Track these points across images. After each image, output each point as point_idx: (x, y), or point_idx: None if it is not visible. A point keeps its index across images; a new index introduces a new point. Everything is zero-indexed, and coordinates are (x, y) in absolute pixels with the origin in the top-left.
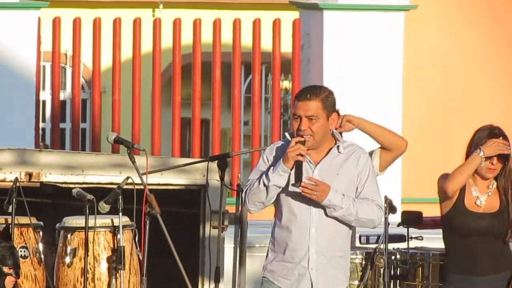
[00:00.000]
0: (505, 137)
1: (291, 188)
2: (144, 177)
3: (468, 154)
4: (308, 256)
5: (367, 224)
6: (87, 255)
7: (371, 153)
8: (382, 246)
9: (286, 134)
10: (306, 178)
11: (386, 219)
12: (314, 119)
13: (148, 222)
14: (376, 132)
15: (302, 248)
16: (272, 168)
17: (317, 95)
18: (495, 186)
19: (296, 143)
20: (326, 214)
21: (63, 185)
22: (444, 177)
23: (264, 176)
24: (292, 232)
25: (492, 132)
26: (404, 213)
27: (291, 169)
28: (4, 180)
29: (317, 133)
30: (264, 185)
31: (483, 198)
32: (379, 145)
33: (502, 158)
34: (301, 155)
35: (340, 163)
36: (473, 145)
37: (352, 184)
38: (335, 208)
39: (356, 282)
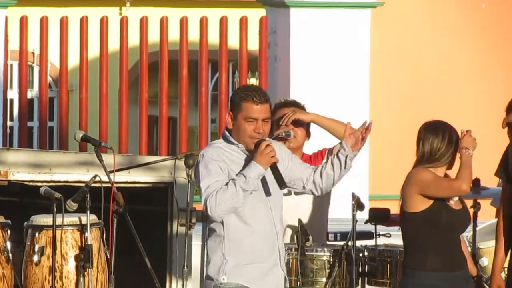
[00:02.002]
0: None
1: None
2: (111, 175)
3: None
4: (279, 254)
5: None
6: (55, 254)
7: (333, 148)
8: (350, 243)
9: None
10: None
11: (354, 216)
12: (267, 121)
13: (115, 220)
14: (332, 126)
15: (274, 247)
16: (244, 172)
17: (268, 98)
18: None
19: (267, 145)
20: (280, 213)
21: (31, 184)
22: (429, 175)
23: (239, 181)
24: (261, 233)
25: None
26: (371, 210)
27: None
28: None
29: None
30: (243, 190)
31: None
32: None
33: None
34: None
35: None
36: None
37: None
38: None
39: (324, 280)
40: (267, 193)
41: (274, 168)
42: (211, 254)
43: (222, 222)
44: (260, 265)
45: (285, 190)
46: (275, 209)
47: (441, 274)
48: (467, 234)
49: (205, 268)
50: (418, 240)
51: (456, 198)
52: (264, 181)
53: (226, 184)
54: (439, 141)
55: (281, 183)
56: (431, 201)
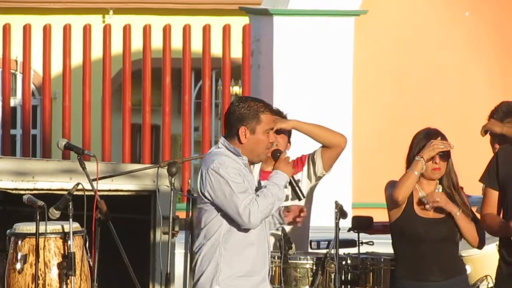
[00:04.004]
0: (443, 137)
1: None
2: (94, 183)
3: (408, 159)
4: (269, 269)
5: None
6: (38, 262)
7: (314, 154)
8: (332, 251)
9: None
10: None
11: (336, 224)
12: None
13: (98, 228)
14: (313, 131)
15: (265, 261)
16: (274, 181)
17: None
18: (441, 189)
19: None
20: (269, 228)
21: (14, 192)
22: (391, 185)
23: (272, 190)
24: (257, 246)
25: (429, 134)
26: (354, 218)
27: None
28: None
29: None
30: (279, 199)
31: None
32: (320, 145)
33: (445, 156)
34: None
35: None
36: (412, 150)
37: None
38: None
39: (307, 287)
40: None
41: (292, 179)
42: (205, 262)
43: (219, 231)
44: (252, 279)
45: None
46: (267, 223)
47: (409, 283)
48: None
49: (193, 276)
50: (395, 250)
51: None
52: None
53: (261, 192)
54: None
55: (300, 194)
56: (400, 211)
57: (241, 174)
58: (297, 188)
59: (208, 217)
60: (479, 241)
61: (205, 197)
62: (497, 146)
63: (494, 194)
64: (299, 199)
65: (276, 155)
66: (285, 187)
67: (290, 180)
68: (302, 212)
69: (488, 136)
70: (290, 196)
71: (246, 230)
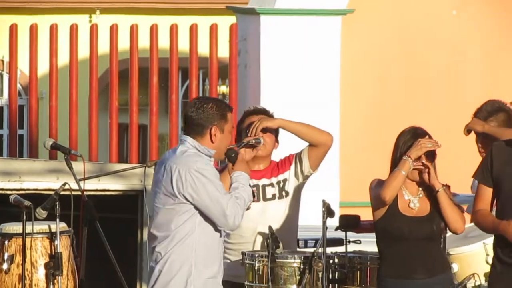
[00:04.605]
0: (429, 137)
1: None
2: (81, 183)
3: (394, 158)
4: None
5: None
6: (25, 262)
7: (301, 153)
8: (320, 250)
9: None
10: None
11: (324, 223)
12: None
13: (85, 228)
14: (299, 130)
15: (221, 259)
16: (241, 182)
17: None
18: (424, 187)
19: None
20: None
21: (1, 192)
22: (377, 184)
23: (244, 191)
24: (220, 249)
25: (416, 133)
26: (342, 217)
27: None
28: None
29: None
30: (250, 200)
31: (415, 201)
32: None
33: (430, 157)
34: None
35: None
36: (398, 149)
37: None
38: None
39: (294, 287)
40: None
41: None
42: (176, 265)
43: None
44: (217, 280)
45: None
46: None
47: (394, 281)
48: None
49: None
50: (379, 248)
51: (417, 204)
52: None
53: (234, 195)
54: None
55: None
56: (385, 210)
57: (217, 175)
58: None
59: (181, 219)
60: (460, 224)
61: (185, 198)
62: (480, 145)
63: (487, 191)
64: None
65: (231, 155)
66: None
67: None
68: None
69: (473, 135)
70: (277, 196)
71: (217, 233)
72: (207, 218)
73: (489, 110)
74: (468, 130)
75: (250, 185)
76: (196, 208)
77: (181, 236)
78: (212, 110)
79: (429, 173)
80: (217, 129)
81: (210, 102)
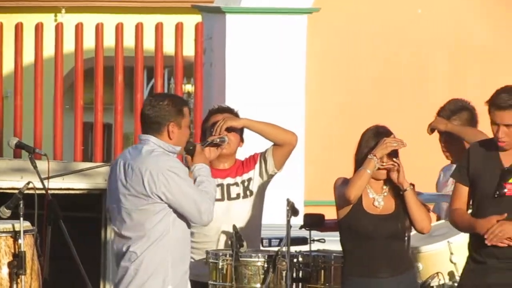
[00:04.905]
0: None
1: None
2: (45, 182)
3: (356, 157)
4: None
5: None
6: None
7: (265, 152)
8: (284, 248)
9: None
10: None
11: (288, 221)
12: None
13: (49, 226)
14: (264, 130)
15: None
16: (205, 176)
17: None
18: (388, 186)
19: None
20: None
21: None
22: (343, 184)
23: (209, 185)
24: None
25: (378, 132)
26: (306, 216)
27: None
28: None
29: None
30: (215, 192)
31: (380, 199)
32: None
33: (392, 156)
34: None
35: None
36: (361, 148)
37: None
38: None
39: (258, 285)
40: None
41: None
42: (152, 265)
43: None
44: (187, 274)
45: (219, 195)
46: None
47: (358, 280)
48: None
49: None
50: (343, 246)
51: (382, 202)
52: None
53: (203, 190)
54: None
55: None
56: (349, 208)
57: (187, 172)
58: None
59: (156, 218)
60: (426, 224)
61: (159, 198)
62: (443, 144)
63: (464, 190)
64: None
65: (189, 148)
66: None
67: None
68: None
69: (437, 134)
70: (241, 195)
71: (189, 229)
72: (180, 216)
73: (452, 109)
74: (431, 129)
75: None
76: (170, 206)
77: (156, 236)
78: (168, 106)
79: (398, 171)
80: (174, 125)
81: (165, 99)
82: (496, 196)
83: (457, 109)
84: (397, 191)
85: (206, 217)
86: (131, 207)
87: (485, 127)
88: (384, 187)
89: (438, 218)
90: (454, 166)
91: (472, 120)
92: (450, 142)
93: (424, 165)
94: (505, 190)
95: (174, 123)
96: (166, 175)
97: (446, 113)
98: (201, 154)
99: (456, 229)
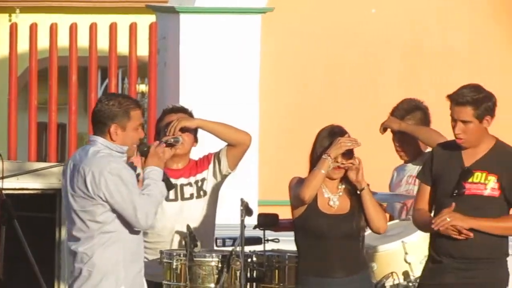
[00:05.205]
0: (348, 135)
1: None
2: None
3: (311, 157)
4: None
5: None
6: None
7: (219, 152)
8: (238, 248)
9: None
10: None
11: (242, 221)
12: None
13: (4, 226)
14: (217, 130)
15: (143, 255)
16: (154, 178)
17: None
18: (343, 186)
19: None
20: None
21: None
22: (298, 183)
23: (156, 188)
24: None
25: (333, 132)
26: (260, 216)
27: None
28: None
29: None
30: (162, 195)
31: (335, 199)
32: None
33: (347, 155)
34: None
35: None
36: (316, 148)
37: None
38: None
39: (212, 285)
40: None
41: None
42: (104, 265)
43: (118, 233)
44: (141, 273)
45: (172, 196)
46: None
47: (312, 279)
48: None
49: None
50: (298, 246)
51: (337, 202)
52: None
53: (146, 193)
54: None
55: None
56: (304, 208)
57: (132, 175)
58: (167, 178)
59: (101, 219)
60: (382, 223)
61: (101, 199)
62: (397, 144)
63: (426, 190)
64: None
65: (143, 149)
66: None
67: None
68: None
69: (390, 134)
70: (195, 195)
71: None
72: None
73: (406, 108)
74: (384, 128)
75: (167, 178)
76: (113, 208)
77: (105, 237)
78: (113, 107)
79: (358, 169)
80: (117, 127)
81: (113, 99)
82: (454, 195)
83: (410, 108)
84: (352, 191)
85: (144, 221)
86: (78, 208)
87: (438, 127)
88: (340, 186)
89: (391, 218)
90: (408, 165)
91: (426, 120)
92: (403, 141)
93: (377, 165)
94: (464, 190)
95: (118, 124)
96: (106, 177)
97: (400, 113)
98: (155, 156)
99: (418, 229)
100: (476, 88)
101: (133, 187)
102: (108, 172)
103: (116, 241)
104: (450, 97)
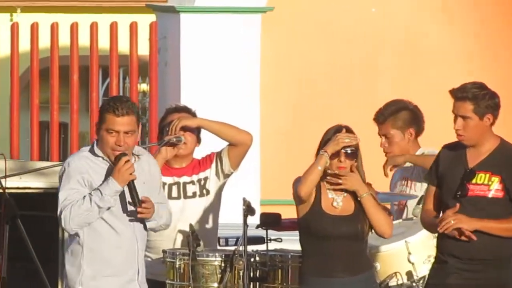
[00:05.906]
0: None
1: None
2: (2, 181)
3: (317, 155)
4: (138, 270)
5: (163, 228)
6: None
7: (221, 152)
8: (241, 248)
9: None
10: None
11: (245, 221)
12: (130, 134)
13: (7, 225)
14: (219, 129)
15: (133, 262)
16: (101, 188)
17: (132, 110)
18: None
19: (126, 161)
20: (145, 229)
21: None
22: (298, 181)
23: (95, 197)
24: (122, 247)
25: (338, 130)
26: (262, 215)
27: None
28: None
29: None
30: (98, 207)
31: (339, 199)
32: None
33: (351, 155)
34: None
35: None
36: (321, 146)
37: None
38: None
39: (215, 285)
40: (125, 209)
41: (130, 186)
42: (69, 263)
43: (80, 233)
44: (118, 279)
45: (175, 194)
46: (138, 225)
47: (316, 279)
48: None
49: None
50: (302, 246)
51: (340, 203)
52: (123, 197)
53: (84, 197)
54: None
55: (136, 202)
56: (308, 208)
57: (85, 176)
58: (134, 194)
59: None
60: (386, 228)
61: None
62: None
63: (433, 190)
64: (135, 206)
65: (117, 159)
66: (115, 194)
67: (129, 184)
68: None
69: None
70: (198, 193)
71: (104, 231)
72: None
73: (389, 111)
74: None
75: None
76: None
77: (72, 235)
78: (100, 108)
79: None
80: (97, 128)
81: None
82: (458, 196)
83: (394, 111)
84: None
85: (62, 223)
86: None
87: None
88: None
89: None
90: (404, 166)
91: (415, 119)
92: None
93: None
94: (467, 191)
95: (97, 125)
96: (62, 173)
97: (388, 111)
98: (118, 171)
99: (426, 229)
100: (478, 85)
101: (70, 187)
102: (65, 167)
103: (77, 242)
104: (451, 92)
